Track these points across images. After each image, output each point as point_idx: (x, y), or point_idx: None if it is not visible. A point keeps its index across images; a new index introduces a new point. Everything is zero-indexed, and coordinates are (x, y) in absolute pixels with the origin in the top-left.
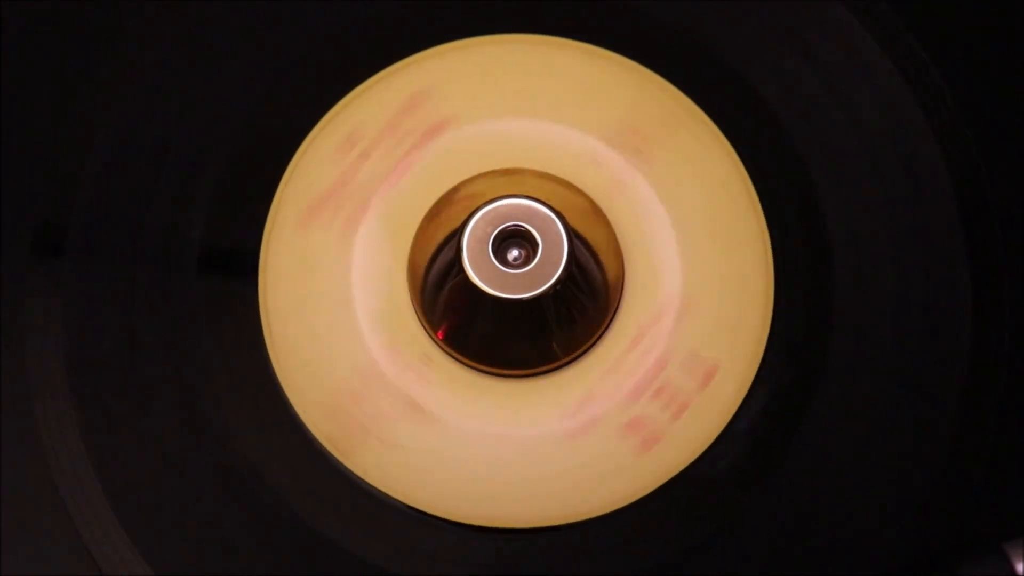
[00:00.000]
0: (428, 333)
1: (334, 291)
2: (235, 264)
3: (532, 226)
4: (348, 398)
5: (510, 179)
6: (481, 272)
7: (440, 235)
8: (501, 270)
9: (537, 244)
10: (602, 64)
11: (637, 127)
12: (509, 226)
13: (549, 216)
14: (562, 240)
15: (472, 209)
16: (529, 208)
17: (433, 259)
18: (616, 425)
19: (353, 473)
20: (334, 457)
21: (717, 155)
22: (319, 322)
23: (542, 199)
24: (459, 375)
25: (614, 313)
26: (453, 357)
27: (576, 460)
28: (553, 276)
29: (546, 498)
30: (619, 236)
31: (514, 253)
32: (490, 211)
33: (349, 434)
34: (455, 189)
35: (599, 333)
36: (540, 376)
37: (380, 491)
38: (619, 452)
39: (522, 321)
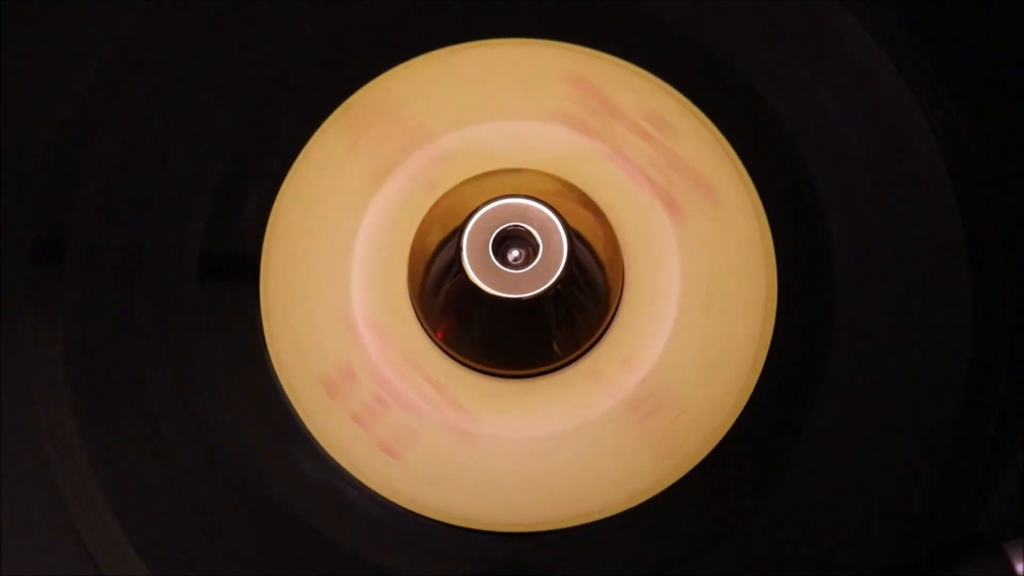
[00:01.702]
0: (428, 333)
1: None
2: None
3: (532, 226)
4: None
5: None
6: (481, 272)
7: (440, 235)
8: (501, 270)
9: (537, 244)
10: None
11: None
12: (509, 226)
13: (549, 216)
14: (562, 240)
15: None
16: (529, 208)
17: (433, 259)
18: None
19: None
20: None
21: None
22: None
23: (542, 198)
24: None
25: (614, 312)
26: (453, 358)
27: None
28: (553, 276)
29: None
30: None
31: (514, 253)
32: (490, 211)
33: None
34: (453, 191)
35: (599, 332)
36: (540, 376)
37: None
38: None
39: (522, 321)
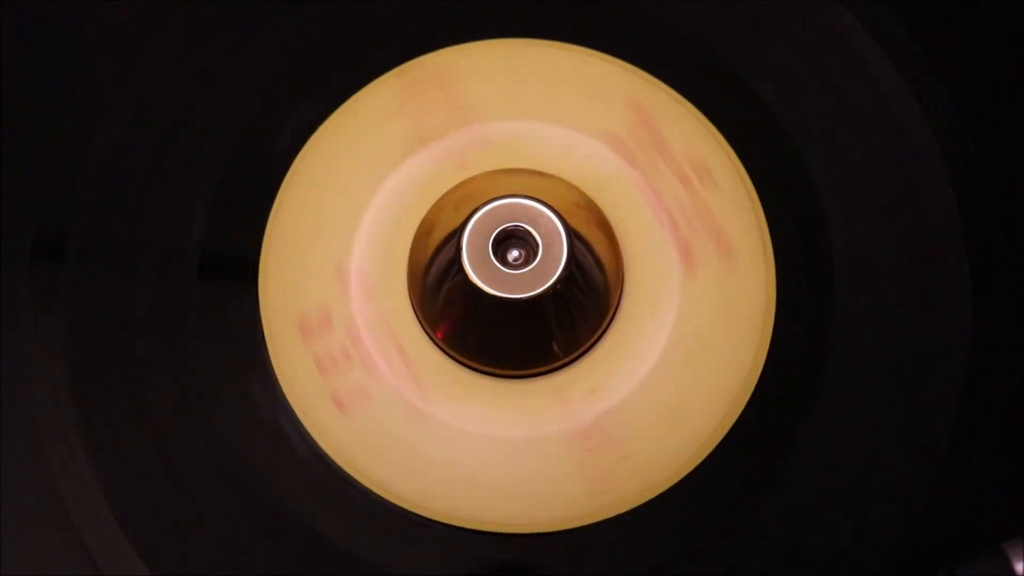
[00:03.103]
0: (428, 333)
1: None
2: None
3: (532, 226)
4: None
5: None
6: (481, 272)
7: (440, 235)
8: (501, 270)
9: (537, 244)
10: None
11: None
12: (509, 226)
13: (549, 216)
14: (562, 240)
15: (472, 209)
16: (529, 208)
17: (433, 259)
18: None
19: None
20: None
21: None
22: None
23: (542, 199)
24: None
25: (614, 312)
26: (453, 358)
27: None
28: (553, 276)
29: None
30: (615, 231)
31: (514, 253)
32: (490, 211)
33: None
34: (453, 190)
35: (599, 333)
36: (540, 376)
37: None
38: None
39: (522, 321)
